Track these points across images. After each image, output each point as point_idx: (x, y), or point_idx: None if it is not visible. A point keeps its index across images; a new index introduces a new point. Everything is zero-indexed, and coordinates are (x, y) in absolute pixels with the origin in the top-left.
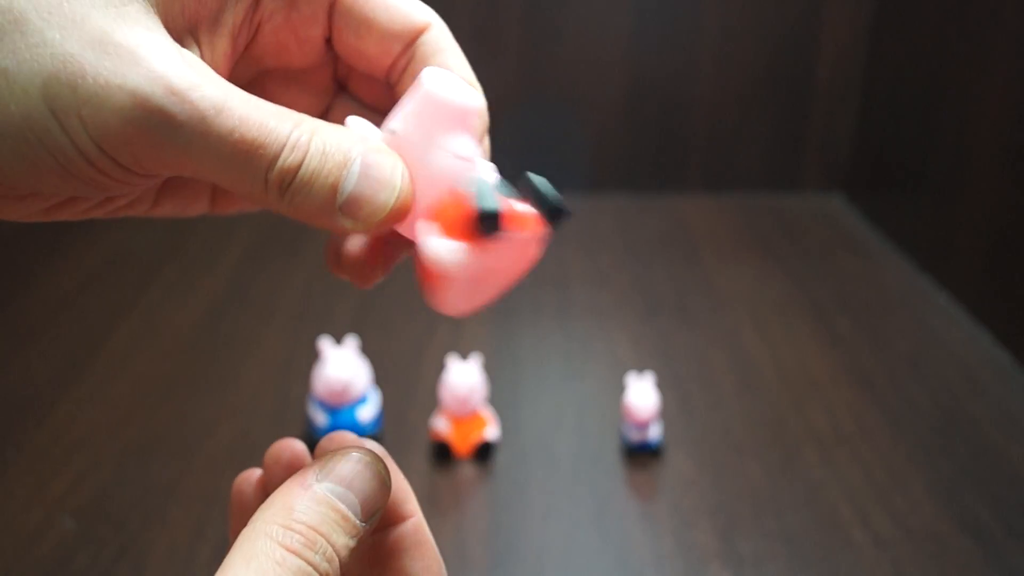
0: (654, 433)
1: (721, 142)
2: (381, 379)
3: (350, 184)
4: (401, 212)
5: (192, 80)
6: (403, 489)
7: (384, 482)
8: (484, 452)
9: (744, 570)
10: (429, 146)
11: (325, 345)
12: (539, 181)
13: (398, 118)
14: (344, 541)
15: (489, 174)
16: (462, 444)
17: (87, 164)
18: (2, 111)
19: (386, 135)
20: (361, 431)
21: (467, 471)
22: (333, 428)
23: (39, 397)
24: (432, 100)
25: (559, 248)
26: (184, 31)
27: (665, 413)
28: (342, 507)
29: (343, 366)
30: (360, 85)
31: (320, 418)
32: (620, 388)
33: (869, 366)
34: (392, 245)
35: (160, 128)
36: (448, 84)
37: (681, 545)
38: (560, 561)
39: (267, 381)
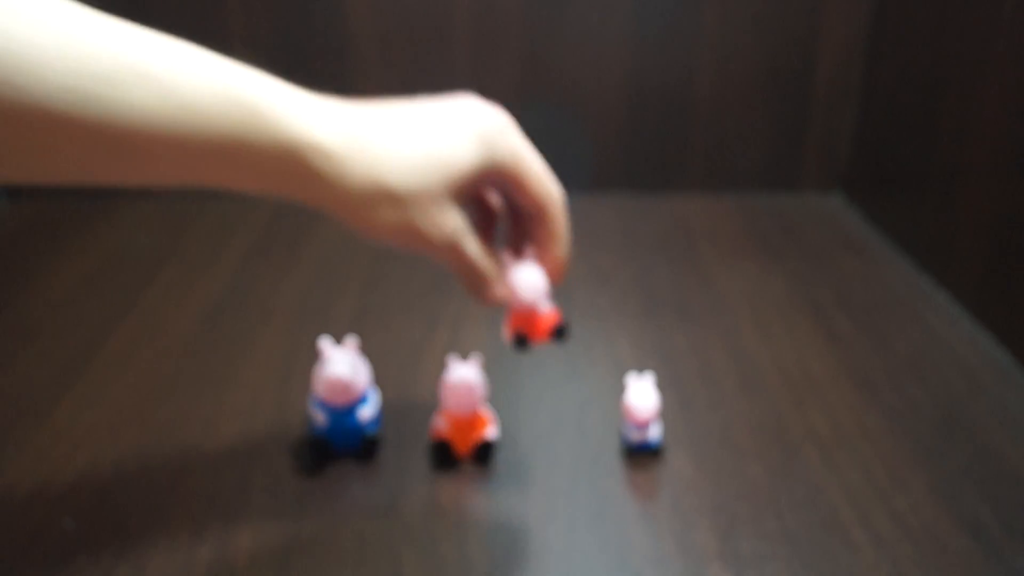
0: (654, 433)
1: (721, 142)
2: (381, 379)
3: (496, 300)
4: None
5: (459, 237)
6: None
7: None
8: (484, 452)
9: (744, 570)
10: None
11: (325, 345)
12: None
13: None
14: None
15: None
16: (462, 444)
17: (403, 247)
18: (386, 231)
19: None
20: (362, 431)
21: (467, 471)
22: (333, 428)
23: (39, 397)
24: (518, 303)
25: None
26: (460, 201)
27: (665, 413)
28: None
29: (344, 366)
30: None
31: (320, 418)
32: (620, 388)
33: (869, 366)
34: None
35: (446, 256)
36: (529, 288)
37: (681, 545)
38: (560, 561)
39: (267, 381)
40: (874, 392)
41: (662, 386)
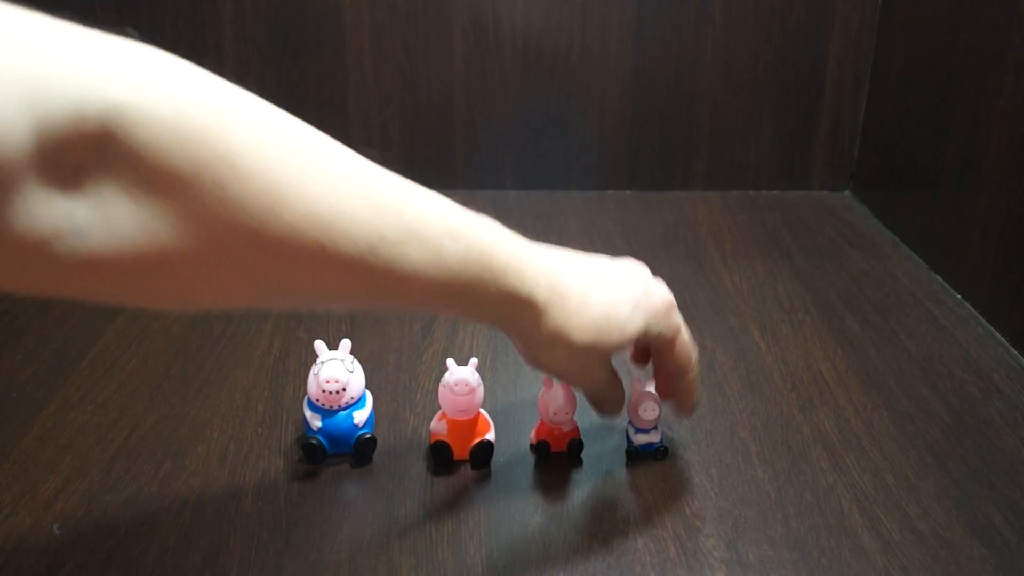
0: (658, 436)
1: (727, 138)
2: (376, 381)
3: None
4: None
5: (604, 392)
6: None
7: None
8: (482, 454)
9: None
10: None
11: (320, 347)
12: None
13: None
14: None
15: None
16: (461, 446)
17: (567, 380)
18: (568, 341)
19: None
20: (357, 433)
21: (466, 473)
22: (328, 431)
23: (25, 400)
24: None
25: (561, 246)
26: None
27: (669, 415)
28: None
29: (338, 368)
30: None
31: (315, 421)
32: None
33: (878, 367)
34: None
35: (588, 396)
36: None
37: (685, 551)
38: (561, 565)
39: (260, 383)
40: (884, 393)
41: None
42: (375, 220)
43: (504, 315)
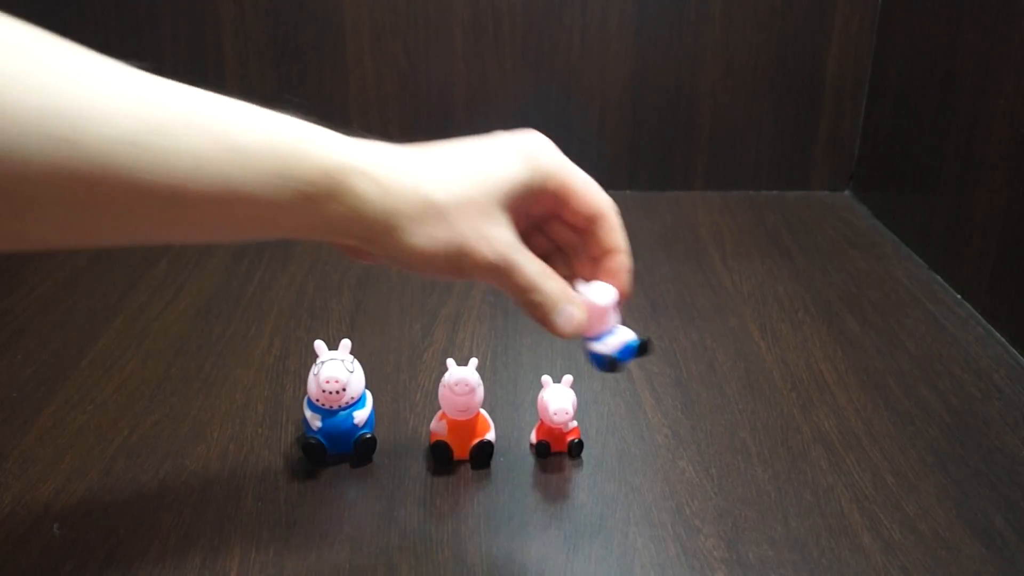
0: (624, 335)
1: (727, 138)
2: (377, 381)
3: (561, 317)
4: (577, 335)
5: (512, 256)
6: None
7: None
8: (483, 454)
9: None
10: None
11: (320, 347)
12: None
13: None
14: None
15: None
16: (461, 446)
17: (456, 276)
18: (430, 258)
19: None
20: (357, 433)
21: (466, 473)
22: (328, 431)
23: (25, 400)
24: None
25: None
26: (513, 218)
27: (669, 415)
28: None
29: (338, 368)
30: (553, 229)
31: (315, 421)
32: (622, 389)
33: (878, 367)
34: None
35: (500, 276)
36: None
37: (685, 551)
38: (561, 566)
39: (260, 383)
40: (884, 393)
41: (666, 386)
42: (136, 113)
43: (340, 203)
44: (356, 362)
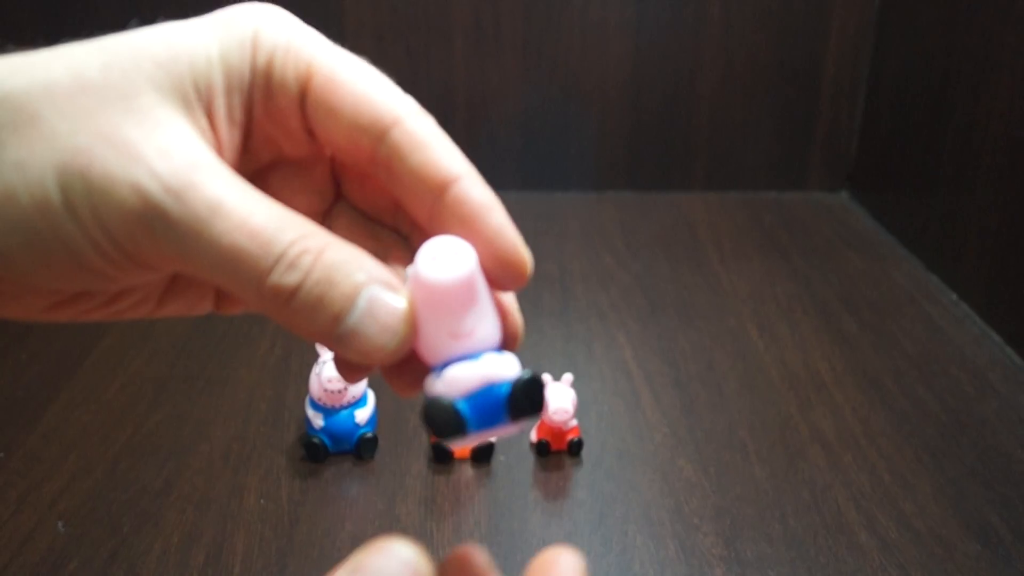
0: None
1: (725, 138)
2: (380, 381)
3: (353, 318)
4: (397, 355)
5: (190, 179)
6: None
7: None
8: (483, 453)
9: (748, 574)
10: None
11: (322, 347)
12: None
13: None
14: None
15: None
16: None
17: (97, 255)
18: (16, 202)
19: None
20: (359, 432)
21: (466, 472)
22: (330, 429)
23: (30, 399)
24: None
25: (560, 246)
26: (203, 119)
27: (668, 414)
28: None
29: None
30: (354, 189)
31: (317, 420)
32: (621, 389)
33: (875, 366)
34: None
35: (158, 225)
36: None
37: (684, 549)
38: None
39: (263, 382)
40: (880, 393)
41: (664, 387)
42: None
43: None
44: None
